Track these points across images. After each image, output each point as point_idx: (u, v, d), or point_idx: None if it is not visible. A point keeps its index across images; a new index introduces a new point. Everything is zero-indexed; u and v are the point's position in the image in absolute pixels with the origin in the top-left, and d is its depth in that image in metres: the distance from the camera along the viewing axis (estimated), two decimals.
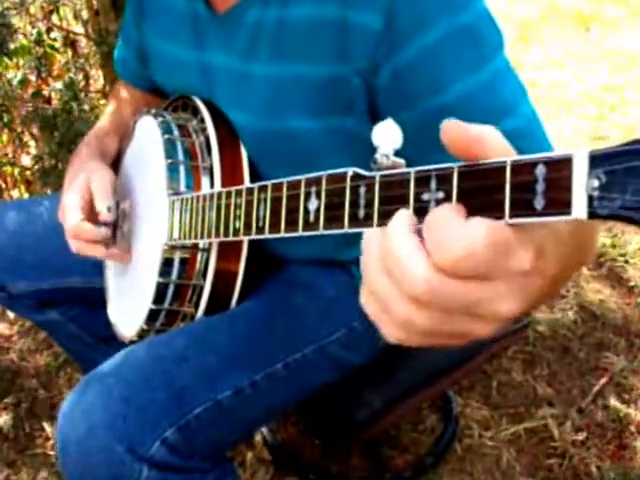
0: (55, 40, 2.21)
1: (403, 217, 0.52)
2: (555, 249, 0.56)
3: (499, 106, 0.90)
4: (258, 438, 1.78)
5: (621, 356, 1.99)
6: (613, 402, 1.85)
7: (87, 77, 2.29)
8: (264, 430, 1.76)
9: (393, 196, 0.56)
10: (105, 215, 1.15)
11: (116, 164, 1.30)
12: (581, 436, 1.77)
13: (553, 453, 1.74)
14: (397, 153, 0.58)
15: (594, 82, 3.70)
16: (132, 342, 1.16)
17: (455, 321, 0.51)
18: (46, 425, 1.88)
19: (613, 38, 4.27)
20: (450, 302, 0.50)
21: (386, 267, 0.52)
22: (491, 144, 0.49)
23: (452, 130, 0.50)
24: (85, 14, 2.19)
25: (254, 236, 0.80)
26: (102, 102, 2.20)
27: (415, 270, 0.49)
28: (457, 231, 0.47)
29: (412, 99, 0.91)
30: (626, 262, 2.35)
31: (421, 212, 0.53)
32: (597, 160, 0.42)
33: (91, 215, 1.18)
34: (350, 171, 0.62)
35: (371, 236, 0.55)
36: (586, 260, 0.71)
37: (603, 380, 1.92)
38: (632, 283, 2.26)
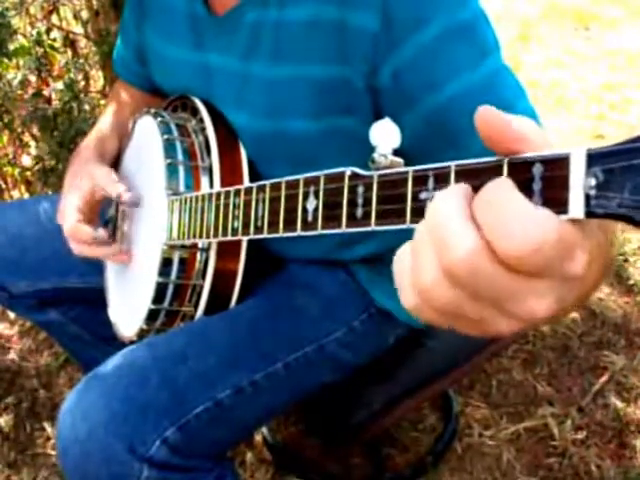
0: (55, 40, 2.21)
1: (462, 186, 0.48)
2: (598, 260, 0.51)
3: (499, 103, 0.90)
4: (258, 438, 1.78)
5: (621, 355, 1.99)
6: (613, 401, 1.85)
7: (87, 77, 2.29)
8: (264, 430, 1.76)
9: (391, 195, 0.56)
10: (127, 196, 1.14)
11: (115, 164, 1.30)
12: (581, 435, 1.77)
13: (553, 452, 1.74)
14: (396, 152, 0.58)
15: (594, 81, 3.70)
16: (132, 342, 1.16)
17: (479, 309, 0.47)
18: (47, 425, 1.88)
19: (613, 37, 4.27)
20: (484, 287, 0.46)
21: (433, 228, 0.47)
22: (530, 137, 0.47)
23: (484, 115, 0.48)
24: (85, 14, 2.19)
25: (253, 236, 0.80)
26: (102, 102, 2.20)
27: (462, 240, 0.45)
28: (527, 219, 0.43)
29: (413, 98, 0.91)
30: (625, 261, 2.35)
31: (419, 212, 0.53)
32: (594, 158, 0.42)
33: (89, 216, 1.18)
34: (348, 170, 0.62)
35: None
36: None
37: (603, 379, 1.92)
38: (631, 282, 2.26)
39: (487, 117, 0.47)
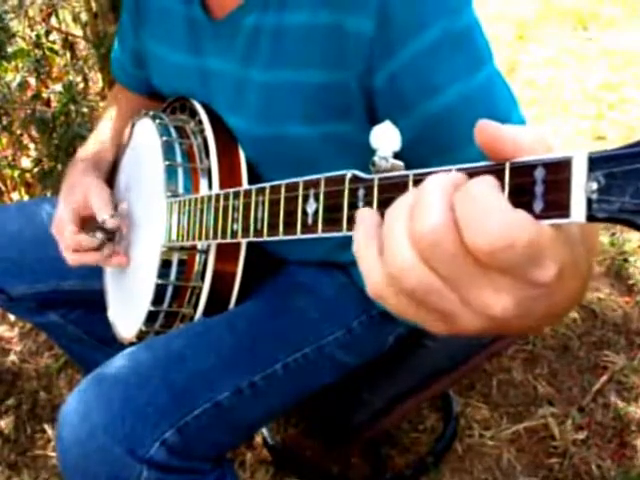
0: (54, 43, 2.21)
1: (456, 174, 0.49)
2: (573, 277, 0.51)
3: (493, 113, 0.90)
4: (258, 439, 1.78)
5: (621, 354, 1.99)
6: (613, 400, 1.85)
7: (86, 79, 2.29)
8: (264, 431, 1.76)
9: (392, 198, 0.56)
10: (110, 222, 1.16)
11: (114, 167, 1.31)
12: (582, 435, 1.77)
13: (554, 452, 1.74)
14: (396, 156, 0.58)
15: (592, 81, 3.70)
16: (132, 344, 1.16)
17: (444, 296, 0.48)
18: (47, 427, 1.88)
19: (611, 37, 4.27)
20: (445, 266, 0.47)
21: (414, 199, 0.49)
22: (523, 144, 0.47)
23: (486, 130, 0.48)
24: (84, 17, 2.19)
25: (252, 238, 0.80)
26: (101, 104, 2.20)
27: (433, 212, 0.46)
28: (502, 218, 0.44)
29: (408, 104, 0.91)
30: (625, 260, 2.35)
31: None
32: (596, 162, 0.42)
33: (85, 223, 1.19)
34: (349, 173, 0.62)
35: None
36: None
37: (603, 378, 1.92)
38: (631, 281, 2.26)
39: (486, 131, 0.48)
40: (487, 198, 0.45)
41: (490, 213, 0.44)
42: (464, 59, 0.90)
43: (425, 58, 0.89)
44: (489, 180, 0.46)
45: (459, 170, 0.50)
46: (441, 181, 0.48)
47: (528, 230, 0.44)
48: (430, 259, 0.47)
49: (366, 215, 0.53)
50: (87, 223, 1.20)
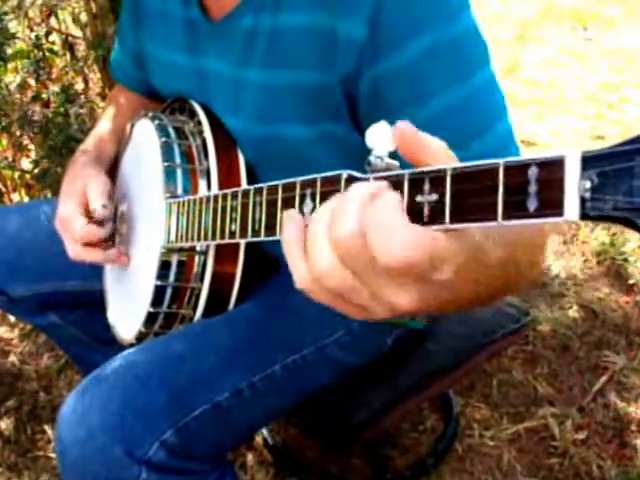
0: (54, 43, 2.21)
1: (393, 195, 0.54)
2: (474, 272, 0.59)
3: (478, 121, 0.90)
4: (258, 439, 1.78)
5: (621, 354, 1.99)
6: (614, 401, 1.85)
7: (86, 80, 2.30)
8: (264, 431, 1.76)
9: None
10: (100, 212, 1.15)
11: (114, 168, 1.31)
12: (582, 435, 1.77)
13: (554, 452, 1.74)
14: (391, 155, 0.58)
15: (592, 81, 3.70)
16: (131, 345, 1.16)
17: (360, 293, 0.56)
18: (47, 428, 1.88)
19: (611, 37, 4.27)
20: (362, 270, 0.54)
21: (333, 210, 0.55)
22: (434, 153, 0.54)
23: (404, 130, 0.55)
24: (84, 17, 2.19)
25: (250, 239, 0.80)
26: (101, 105, 2.20)
27: (348, 221, 0.53)
28: (402, 236, 0.51)
29: (392, 109, 0.90)
30: (625, 260, 2.35)
31: (415, 214, 0.53)
32: (589, 161, 0.42)
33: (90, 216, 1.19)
34: (344, 173, 0.62)
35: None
36: (518, 284, 0.75)
37: (603, 379, 1.92)
38: (632, 281, 2.26)
39: (405, 135, 0.56)
40: (389, 217, 0.52)
41: (391, 232, 0.51)
42: (456, 67, 0.89)
43: (416, 65, 0.88)
44: (393, 197, 0.53)
45: (453, 170, 0.50)
46: (360, 191, 0.54)
47: (422, 247, 0.51)
48: (347, 262, 0.54)
49: (294, 217, 0.60)
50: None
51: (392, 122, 0.90)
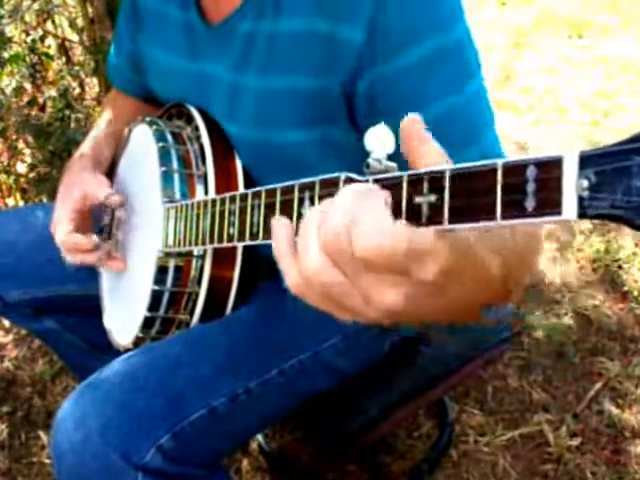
0: (49, 47, 2.21)
1: (379, 194, 0.56)
2: (468, 279, 0.58)
3: (469, 129, 0.90)
4: (254, 445, 1.77)
5: (616, 361, 1.99)
6: (608, 407, 1.86)
7: (82, 85, 2.30)
8: (260, 437, 1.75)
9: None
10: (111, 199, 1.16)
11: (111, 172, 1.30)
12: (576, 441, 1.77)
13: (548, 458, 1.74)
14: (390, 157, 0.59)
15: (587, 88, 3.71)
16: (128, 350, 1.16)
17: (348, 292, 0.56)
18: (42, 434, 1.88)
19: (606, 45, 4.28)
20: (349, 268, 0.55)
21: (322, 211, 0.56)
22: (434, 151, 0.55)
23: (411, 125, 0.56)
24: (80, 22, 2.20)
25: (248, 242, 0.80)
26: (97, 109, 2.20)
27: (335, 221, 0.54)
28: (371, 225, 0.52)
29: (387, 116, 0.91)
30: (619, 267, 2.35)
31: (414, 215, 0.53)
32: (587, 161, 0.42)
33: (82, 225, 1.18)
34: (343, 175, 0.62)
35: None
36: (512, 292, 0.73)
37: (598, 385, 1.92)
38: (626, 288, 2.26)
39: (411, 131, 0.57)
40: (369, 213, 0.53)
41: (364, 224, 0.52)
42: (451, 75, 0.90)
43: (412, 73, 0.89)
44: (379, 195, 0.55)
45: (452, 171, 0.51)
46: (348, 192, 0.55)
47: (391, 235, 0.51)
48: (336, 261, 0.55)
49: (282, 221, 0.62)
50: (86, 222, 1.20)
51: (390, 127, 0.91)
